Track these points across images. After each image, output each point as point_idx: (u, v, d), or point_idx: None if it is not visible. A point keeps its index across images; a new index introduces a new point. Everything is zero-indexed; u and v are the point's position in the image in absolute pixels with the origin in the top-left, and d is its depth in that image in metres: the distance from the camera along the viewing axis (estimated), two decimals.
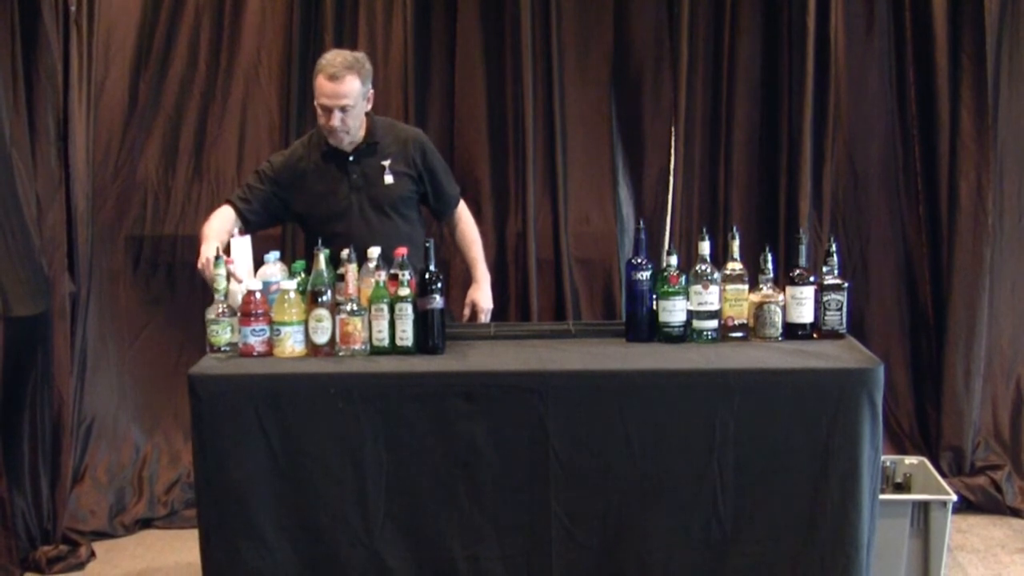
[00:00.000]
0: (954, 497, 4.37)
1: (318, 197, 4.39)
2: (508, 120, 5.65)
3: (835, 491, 3.51)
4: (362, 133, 4.38)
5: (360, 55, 4.35)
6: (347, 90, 4.20)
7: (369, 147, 4.39)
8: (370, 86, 4.34)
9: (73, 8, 5.15)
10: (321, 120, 4.28)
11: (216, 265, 3.72)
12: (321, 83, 4.22)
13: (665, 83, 5.63)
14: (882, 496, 3.94)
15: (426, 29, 5.62)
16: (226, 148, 5.63)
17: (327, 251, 3.74)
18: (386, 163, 4.39)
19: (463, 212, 4.70)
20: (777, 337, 3.82)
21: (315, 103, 4.28)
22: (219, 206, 4.47)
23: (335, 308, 3.69)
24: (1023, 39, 5.42)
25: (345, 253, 3.73)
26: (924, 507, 4.34)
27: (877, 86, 5.57)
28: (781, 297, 3.83)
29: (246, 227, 4.29)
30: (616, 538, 3.58)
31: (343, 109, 4.22)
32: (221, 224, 4.28)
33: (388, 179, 4.39)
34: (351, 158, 4.37)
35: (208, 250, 3.98)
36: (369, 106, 4.39)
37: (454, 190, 4.64)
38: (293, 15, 5.51)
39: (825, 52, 5.42)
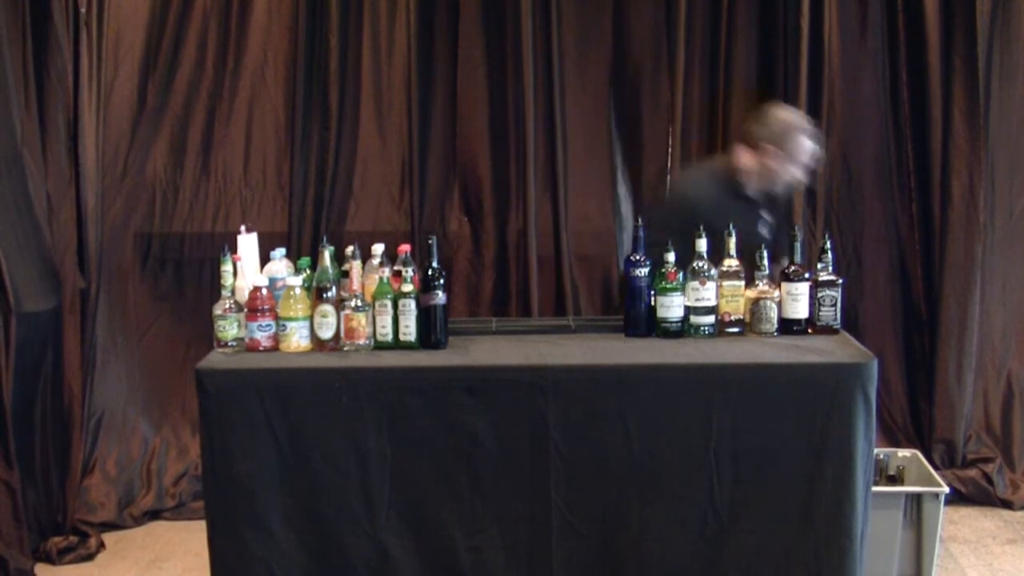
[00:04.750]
0: (947, 489, 4.42)
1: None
2: (509, 120, 5.68)
3: (829, 483, 3.54)
4: None
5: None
6: (818, 153, 4.51)
7: (763, 195, 4.55)
8: None
9: (83, 10, 5.20)
10: (786, 172, 4.44)
11: (223, 261, 3.77)
12: (807, 143, 4.42)
13: (663, 84, 5.67)
14: (876, 488, 4.01)
15: (429, 30, 5.65)
16: (233, 147, 5.67)
17: (331, 248, 3.77)
18: (767, 214, 4.57)
19: None
20: (773, 332, 3.85)
21: (784, 159, 4.41)
22: None
23: (340, 304, 3.73)
24: (1014, 40, 5.46)
25: (350, 250, 3.76)
26: (917, 499, 4.39)
27: (870, 87, 5.60)
28: (777, 293, 3.86)
29: None
30: (615, 528, 3.62)
31: (808, 169, 4.50)
32: None
33: (763, 230, 4.55)
34: (757, 204, 4.52)
35: None
36: None
37: None
38: (299, 17, 5.54)
39: (819, 53, 5.46)
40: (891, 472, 4.73)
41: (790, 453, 3.56)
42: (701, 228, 3.89)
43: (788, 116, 4.53)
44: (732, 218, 4.29)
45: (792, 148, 4.40)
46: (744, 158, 4.48)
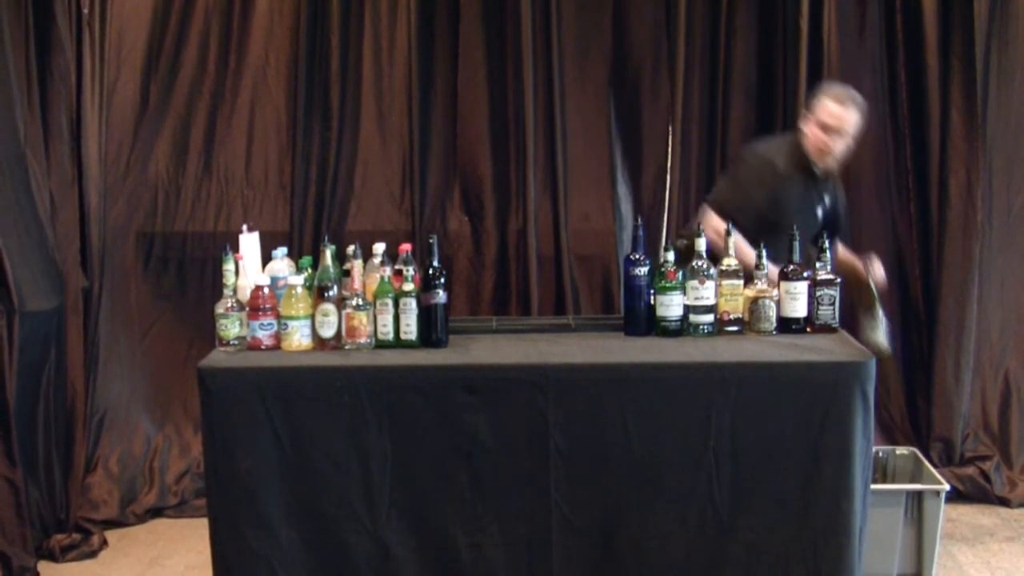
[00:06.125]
0: (947, 487, 4.44)
1: (790, 208, 4.48)
2: (509, 120, 5.70)
3: (828, 481, 3.56)
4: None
5: (861, 98, 4.58)
6: (850, 118, 4.47)
7: (829, 180, 4.62)
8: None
9: (86, 11, 5.22)
10: (818, 139, 4.48)
11: (225, 261, 3.79)
12: (828, 104, 4.47)
13: (663, 84, 5.68)
14: (876, 486, 4.03)
15: (429, 31, 5.67)
16: (235, 147, 5.68)
17: (333, 247, 3.79)
18: (827, 198, 4.62)
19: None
20: (771, 331, 3.88)
21: (813, 123, 4.49)
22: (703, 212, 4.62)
23: (341, 303, 3.75)
24: (1012, 40, 5.48)
25: (351, 249, 3.78)
26: (918, 497, 4.42)
27: (869, 86, 5.56)
28: (775, 292, 3.89)
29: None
30: (614, 526, 3.65)
31: (842, 134, 4.45)
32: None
33: (819, 212, 4.61)
34: (813, 181, 4.57)
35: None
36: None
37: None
38: (300, 17, 5.55)
39: (818, 53, 5.48)
40: (889, 470, 4.76)
41: (789, 451, 3.58)
42: (700, 227, 3.91)
43: (825, 85, 4.65)
44: (799, 189, 4.49)
45: (815, 108, 4.50)
46: (803, 129, 4.58)
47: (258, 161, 5.70)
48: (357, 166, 5.74)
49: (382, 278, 3.79)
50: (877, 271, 4.54)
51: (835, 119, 4.43)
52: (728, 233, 3.92)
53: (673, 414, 3.60)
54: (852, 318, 4.35)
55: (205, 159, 5.68)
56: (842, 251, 4.68)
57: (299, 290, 3.75)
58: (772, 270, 3.98)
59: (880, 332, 4.36)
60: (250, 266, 3.98)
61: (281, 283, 3.84)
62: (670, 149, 5.69)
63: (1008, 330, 5.68)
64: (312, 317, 3.76)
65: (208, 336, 4.00)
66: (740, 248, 4.08)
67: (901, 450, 4.92)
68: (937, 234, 5.54)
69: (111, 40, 5.42)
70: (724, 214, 4.44)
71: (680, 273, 3.85)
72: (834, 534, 3.59)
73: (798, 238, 3.93)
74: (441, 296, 3.79)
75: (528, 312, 5.65)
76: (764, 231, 4.28)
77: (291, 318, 3.74)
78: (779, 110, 5.60)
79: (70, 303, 5.20)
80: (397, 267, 3.81)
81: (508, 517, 3.65)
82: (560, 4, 5.62)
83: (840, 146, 4.49)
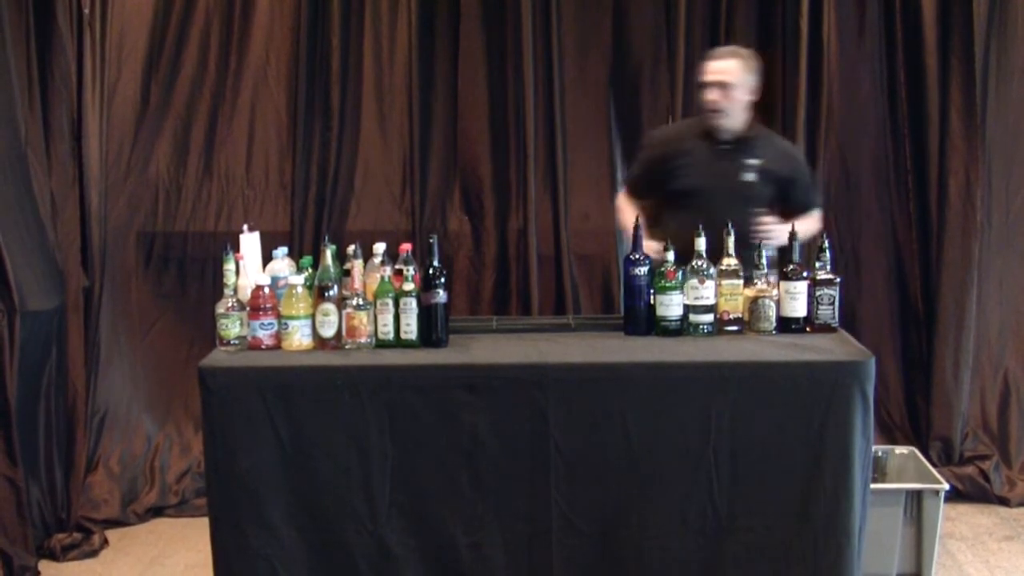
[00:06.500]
0: (946, 486, 4.45)
1: (686, 173, 4.53)
2: (510, 119, 5.70)
3: (827, 480, 3.56)
4: (741, 128, 4.54)
5: (749, 52, 4.60)
6: (726, 67, 4.45)
7: (742, 141, 4.54)
8: (755, 81, 4.53)
9: (87, 11, 5.23)
10: (703, 100, 4.51)
11: (225, 260, 3.80)
12: (705, 64, 4.52)
13: (662, 83, 5.69)
14: (876, 485, 4.03)
15: (430, 31, 5.67)
16: (235, 147, 5.69)
17: (333, 247, 3.80)
18: (753, 162, 4.53)
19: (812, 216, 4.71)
20: (771, 331, 3.88)
21: (702, 84, 4.53)
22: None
23: (341, 302, 3.75)
24: (1011, 40, 5.49)
25: (351, 249, 3.78)
26: (917, 496, 4.43)
27: (869, 87, 5.62)
28: (775, 292, 3.89)
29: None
30: (614, 526, 3.65)
31: (721, 86, 4.43)
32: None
33: (749, 176, 4.53)
34: (724, 147, 4.54)
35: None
36: (751, 99, 4.54)
37: (813, 202, 4.73)
38: (301, 18, 5.56)
39: (818, 54, 5.48)
40: (887, 470, 4.77)
41: (788, 450, 3.58)
42: (700, 228, 3.91)
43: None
44: (695, 154, 4.52)
45: (701, 71, 4.55)
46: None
47: (259, 161, 5.71)
48: (357, 166, 5.75)
49: (382, 278, 3.79)
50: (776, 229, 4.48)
51: (709, 73, 4.47)
52: (729, 233, 3.91)
53: (673, 414, 3.60)
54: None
55: (206, 159, 5.69)
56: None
57: (299, 290, 3.75)
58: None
59: None
60: (251, 266, 3.98)
61: (282, 283, 3.84)
62: None
63: (1007, 330, 5.68)
64: (312, 317, 3.76)
65: (209, 336, 4.00)
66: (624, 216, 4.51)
67: (900, 449, 4.93)
68: (936, 234, 5.55)
69: (112, 40, 5.42)
70: (631, 191, 4.71)
71: (680, 273, 3.86)
72: (833, 534, 3.59)
73: (797, 238, 3.93)
74: (441, 296, 3.80)
75: (528, 312, 5.66)
76: (668, 200, 4.51)
77: (292, 318, 3.74)
78: (779, 110, 5.58)
79: (71, 303, 5.21)
80: (397, 267, 3.81)
81: (508, 517, 3.65)
82: (560, 4, 5.62)
83: (727, 99, 4.46)
